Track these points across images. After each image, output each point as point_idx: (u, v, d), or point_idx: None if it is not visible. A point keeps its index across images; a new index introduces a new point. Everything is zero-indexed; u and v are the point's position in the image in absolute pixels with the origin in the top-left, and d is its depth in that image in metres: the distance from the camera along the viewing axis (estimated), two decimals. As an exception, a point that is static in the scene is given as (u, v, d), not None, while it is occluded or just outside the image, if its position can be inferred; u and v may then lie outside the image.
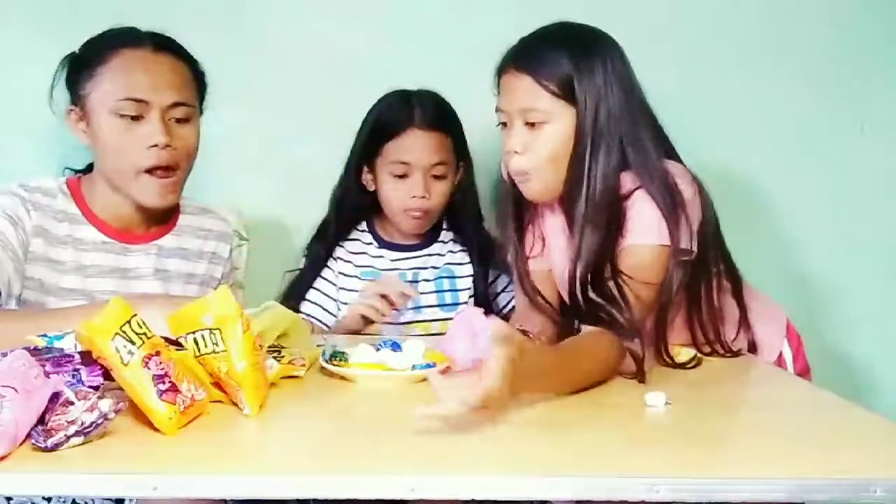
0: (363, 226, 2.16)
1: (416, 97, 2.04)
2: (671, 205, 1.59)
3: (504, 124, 1.69)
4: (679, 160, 1.71)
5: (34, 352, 1.20)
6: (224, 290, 1.28)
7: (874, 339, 2.41)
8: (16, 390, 1.08)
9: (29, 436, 1.09)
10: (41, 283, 1.64)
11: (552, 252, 1.82)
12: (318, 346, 1.56)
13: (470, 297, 2.10)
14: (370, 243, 2.13)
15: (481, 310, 1.56)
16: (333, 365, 1.45)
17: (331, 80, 2.28)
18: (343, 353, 1.48)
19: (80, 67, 1.67)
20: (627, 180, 1.63)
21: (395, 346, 1.50)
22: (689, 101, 2.18)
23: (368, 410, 1.34)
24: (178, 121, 1.66)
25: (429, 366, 1.45)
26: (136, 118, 1.62)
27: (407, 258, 2.11)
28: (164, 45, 1.68)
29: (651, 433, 1.25)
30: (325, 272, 2.11)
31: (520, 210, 1.80)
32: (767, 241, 2.34)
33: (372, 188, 2.09)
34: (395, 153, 2.01)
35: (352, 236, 2.14)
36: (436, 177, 2.03)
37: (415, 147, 2.00)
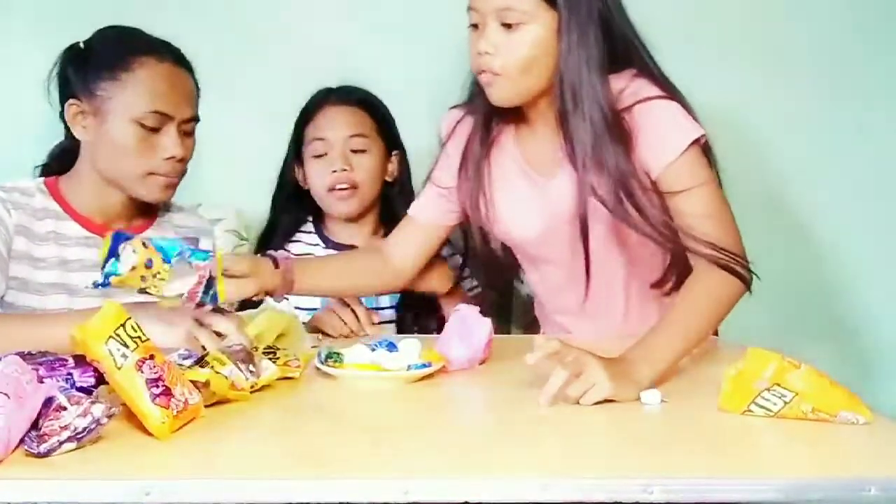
0: (308, 227, 2.12)
1: (338, 88, 2.08)
2: (674, 92, 1.58)
3: (475, 26, 1.58)
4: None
5: (27, 357, 1.21)
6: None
7: (872, 337, 2.41)
8: (8, 396, 1.07)
9: (22, 441, 1.09)
10: (22, 282, 1.66)
11: (500, 204, 1.73)
12: (312, 346, 1.56)
13: None
14: (316, 244, 2.09)
15: (477, 308, 1.57)
16: (328, 366, 1.45)
17: (330, 81, 2.28)
18: (338, 353, 1.48)
19: (95, 66, 1.68)
20: (619, 81, 1.57)
21: (391, 347, 1.50)
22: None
23: (363, 412, 1.34)
24: (187, 133, 1.69)
25: (424, 366, 1.45)
26: (154, 129, 1.64)
27: None
28: (180, 58, 1.73)
29: (645, 432, 1.24)
30: None
31: (485, 140, 1.71)
32: (765, 238, 2.33)
33: (306, 186, 2.08)
34: (312, 133, 2.03)
35: (295, 238, 2.10)
36: (355, 151, 2.02)
37: (329, 122, 2.02)
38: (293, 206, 2.11)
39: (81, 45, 1.72)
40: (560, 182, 1.65)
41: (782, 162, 2.36)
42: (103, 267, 1.39)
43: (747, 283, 1.52)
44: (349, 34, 2.28)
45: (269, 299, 1.65)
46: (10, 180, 1.72)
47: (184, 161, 1.70)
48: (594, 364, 1.32)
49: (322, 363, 1.46)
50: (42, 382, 1.14)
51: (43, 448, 1.08)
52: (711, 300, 1.49)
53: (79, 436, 1.09)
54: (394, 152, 2.09)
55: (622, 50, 1.59)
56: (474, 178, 1.72)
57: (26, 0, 2.22)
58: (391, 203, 2.09)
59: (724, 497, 1.06)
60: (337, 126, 2.03)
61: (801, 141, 2.35)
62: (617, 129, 1.55)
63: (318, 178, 2.03)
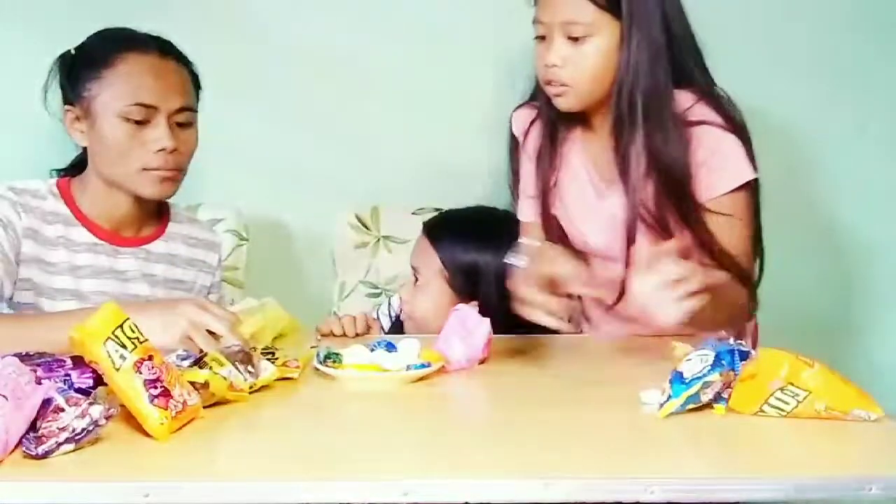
0: None
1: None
2: (739, 126, 1.62)
3: (541, 37, 1.63)
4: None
5: (25, 358, 1.20)
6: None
7: (872, 335, 2.41)
8: (6, 398, 1.07)
9: (20, 443, 1.09)
10: (34, 284, 1.64)
11: (571, 207, 1.78)
12: (311, 347, 1.56)
13: None
14: None
15: (476, 308, 1.57)
16: (327, 366, 1.44)
17: (331, 80, 2.28)
18: (337, 354, 1.47)
19: (82, 68, 1.67)
20: (684, 98, 1.62)
21: (390, 347, 1.50)
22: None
23: (362, 412, 1.33)
24: (181, 125, 1.67)
25: (423, 366, 1.45)
26: (142, 122, 1.63)
27: None
28: (167, 49, 1.69)
29: (646, 432, 1.24)
30: None
31: (554, 138, 1.76)
32: (765, 237, 2.33)
33: None
34: None
35: None
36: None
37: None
38: None
39: (72, 51, 1.72)
40: (620, 189, 1.71)
41: (782, 162, 2.35)
42: None
43: (752, 307, 1.62)
44: (350, 34, 2.28)
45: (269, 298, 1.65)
46: (22, 180, 1.71)
47: (178, 153, 1.66)
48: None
49: (321, 363, 1.45)
50: (40, 383, 1.14)
51: (41, 450, 1.07)
52: (734, 302, 1.56)
53: (77, 437, 1.09)
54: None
55: (684, 63, 1.64)
56: (546, 179, 1.78)
57: (28, 2, 2.22)
58: None
59: (725, 496, 1.06)
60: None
61: (800, 141, 2.34)
62: (678, 133, 1.60)
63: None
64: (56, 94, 1.73)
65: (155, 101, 1.64)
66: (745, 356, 1.27)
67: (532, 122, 1.82)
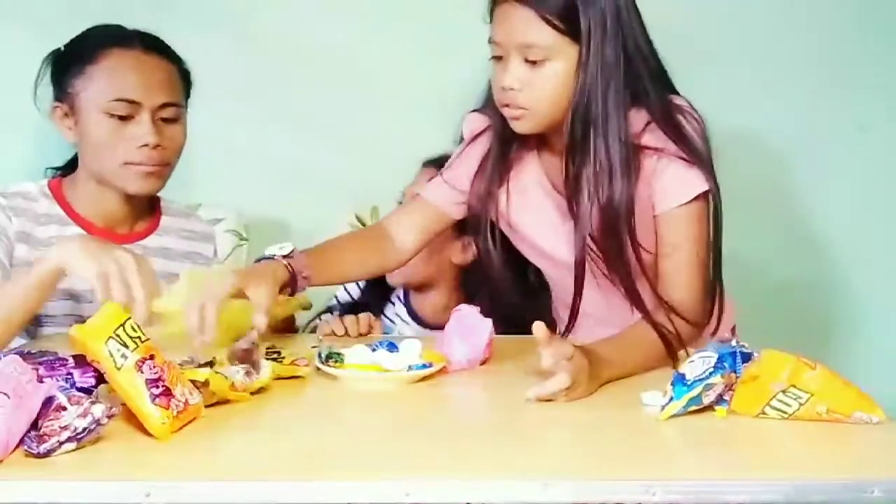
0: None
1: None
2: (691, 143, 1.56)
3: (498, 57, 1.58)
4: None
5: (27, 356, 1.20)
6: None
7: (872, 336, 2.41)
8: (7, 396, 1.07)
9: (21, 442, 1.09)
10: None
11: (526, 227, 1.74)
12: (313, 347, 1.56)
13: None
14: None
15: (477, 308, 1.57)
16: (329, 366, 1.44)
17: (329, 81, 2.28)
18: (339, 353, 1.47)
19: (68, 65, 1.68)
20: (636, 120, 1.57)
21: (392, 347, 1.49)
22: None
23: (364, 413, 1.34)
24: (166, 120, 1.67)
25: (425, 366, 1.45)
26: (125, 118, 1.63)
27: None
28: (152, 45, 1.69)
29: (647, 434, 1.24)
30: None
31: (506, 157, 1.71)
32: (764, 237, 2.33)
33: None
34: None
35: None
36: None
37: None
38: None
39: (62, 48, 1.72)
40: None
41: (782, 162, 2.36)
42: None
43: (673, 356, 1.52)
44: (350, 35, 2.28)
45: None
46: (13, 184, 1.71)
47: (162, 148, 1.66)
48: (586, 373, 1.35)
49: (323, 363, 1.45)
50: (42, 382, 1.14)
51: (43, 448, 1.07)
52: (650, 353, 1.52)
53: (79, 436, 1.09)
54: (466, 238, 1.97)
55: (639, 81, 1.58)
56: (485, 198, 1.72)
57: (27, 2, 2.22)
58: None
59: (726, 498, 1.05)
60: None
61: (800, 140, 2.35)
62: (628, 163, 1.57)
63: None
64: (48, 91, 1.73)
65: (138, 96, 1.64)
66: (747, 358, 1.27)
67: (484, 131, 1.76)
